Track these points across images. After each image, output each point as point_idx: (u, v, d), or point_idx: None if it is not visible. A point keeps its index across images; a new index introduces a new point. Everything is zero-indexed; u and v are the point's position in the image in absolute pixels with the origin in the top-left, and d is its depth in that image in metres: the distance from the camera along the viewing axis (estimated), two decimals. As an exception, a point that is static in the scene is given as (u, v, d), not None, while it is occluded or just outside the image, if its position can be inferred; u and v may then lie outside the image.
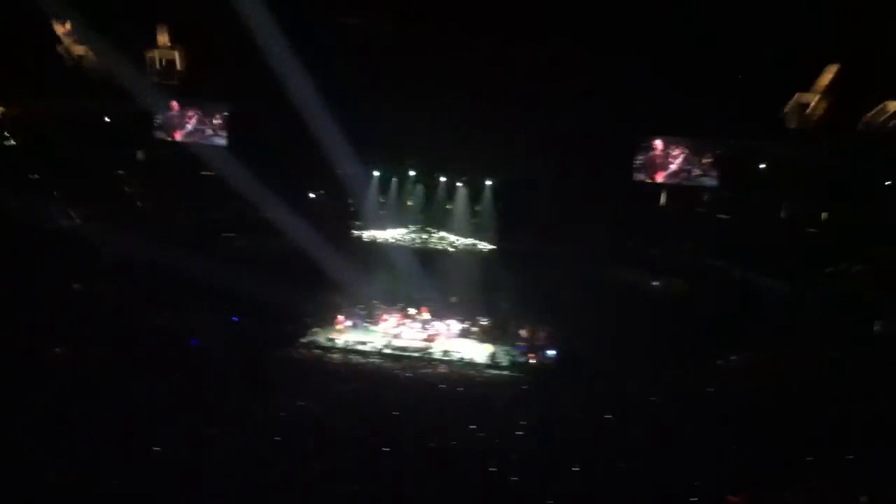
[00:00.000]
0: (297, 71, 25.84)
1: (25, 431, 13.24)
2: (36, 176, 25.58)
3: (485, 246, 30.24)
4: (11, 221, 22.72)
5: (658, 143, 27.26)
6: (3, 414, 13.62)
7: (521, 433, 17.57)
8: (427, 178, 30.24)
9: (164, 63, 28.12)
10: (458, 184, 30.16)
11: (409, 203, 30.56)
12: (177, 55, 28.08)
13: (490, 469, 14.03)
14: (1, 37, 24.39)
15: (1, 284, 20.43)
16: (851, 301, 21.03)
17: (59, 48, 26.27)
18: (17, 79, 25.47)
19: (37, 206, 24.65)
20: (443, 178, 30.16)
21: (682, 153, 26.96)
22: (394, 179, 30.43)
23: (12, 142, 26.11)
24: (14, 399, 14.32)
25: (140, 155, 29.14)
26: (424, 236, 30.37)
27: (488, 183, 29.90)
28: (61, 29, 25.92)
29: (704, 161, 26.77)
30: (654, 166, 27.42)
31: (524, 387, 22.27)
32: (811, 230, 25.23)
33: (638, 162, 27.59)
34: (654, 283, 27.56)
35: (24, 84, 25.71)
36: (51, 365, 17.74)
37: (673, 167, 27.13)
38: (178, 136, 28.29)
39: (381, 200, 30.51)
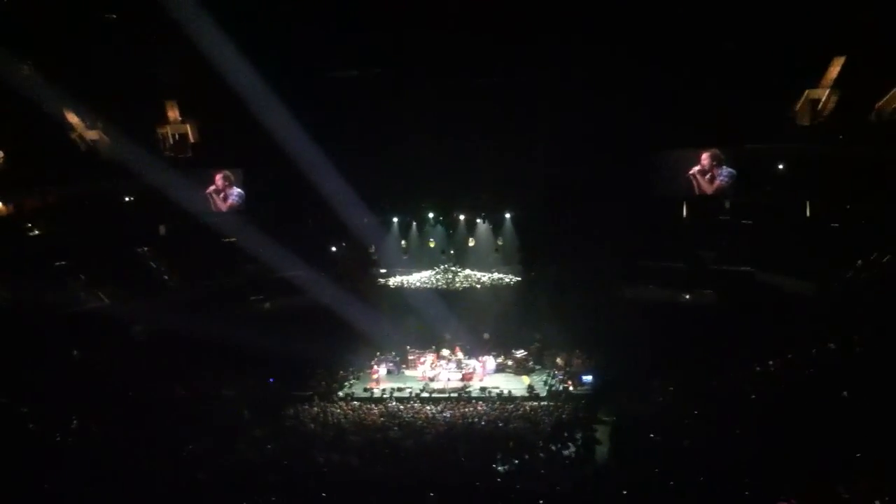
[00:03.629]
0: (301, 129, 26.40)
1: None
2: (62, 262, 25.88)
3: (511, 279, 30.10)
4: (41, 307, 23.00)
5: (674, 156, 27.12)
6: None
7: (566, 462, 17.41)
8: (446, 218, 30.21)
9: (176, 137, 28.73)
10: (478, 220, 30.16)
11: (431, 244, 30.55)
12: (188, 128, 28.68)
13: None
14: (17, 130, 25.23)
15: (38, 365, 20.59)
16: (880, 296, 20.28)
17: (73, 135, 26.91)
18: (36, 169, 26.12)
19: (65, 290, 24.96)
20: (462, 216, 30.16)
21: (699, 163, 26.62)
22: (413, 223, 30.51)
23: (36, 231, 26.57)
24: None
25: (161, 230, 29.44)
26: (450, 276, 30.23)
27: (508, 215, 29.87)
28: (73, 117, 26.61)
29: (722, 169, 26.42)
30: (672, 179, 27.17)
31: (564, 416, 21.88)
32: (835, 226, 24.56)
33: (656, 176, 27.49)
34: (685, 297, 27.01)
35: (43, 174, 26.33)
36: (84, 438, 17.76)
37: (691, 179, 26.81)
38: (197, 207, 28.38)
39: (403, 245, 30.56)
